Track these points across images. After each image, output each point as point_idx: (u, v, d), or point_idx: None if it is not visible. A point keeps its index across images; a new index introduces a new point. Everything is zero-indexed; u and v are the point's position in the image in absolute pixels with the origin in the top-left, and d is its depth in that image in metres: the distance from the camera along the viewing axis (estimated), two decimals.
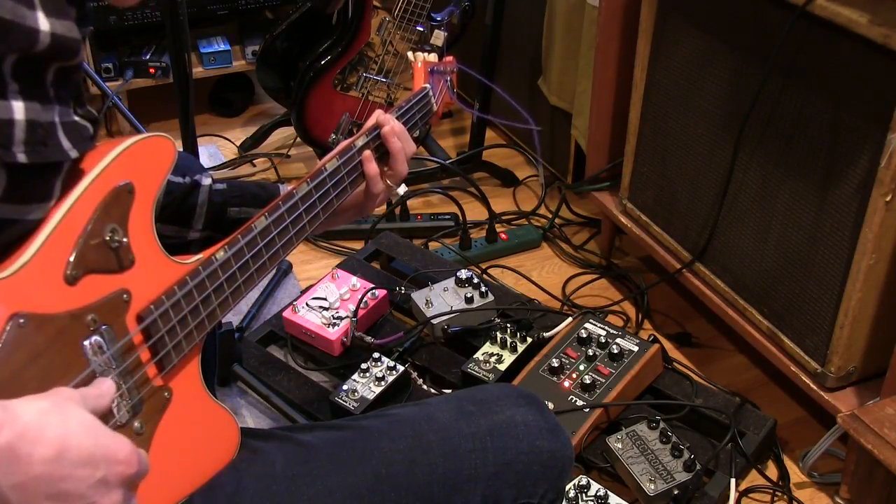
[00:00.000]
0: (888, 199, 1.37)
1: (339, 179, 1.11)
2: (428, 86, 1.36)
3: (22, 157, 0.72)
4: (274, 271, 2.14)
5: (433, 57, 1.42)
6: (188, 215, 1.11)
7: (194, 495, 0.91)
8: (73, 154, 0.77)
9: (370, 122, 1.19)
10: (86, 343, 0.76)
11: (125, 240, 0.80)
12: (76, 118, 0.80)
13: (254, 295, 2.05)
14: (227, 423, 0.96)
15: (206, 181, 1.13)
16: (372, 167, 1.16)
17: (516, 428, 1.04)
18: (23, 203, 0.75)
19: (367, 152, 1.16)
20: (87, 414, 0.68)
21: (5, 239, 0.74)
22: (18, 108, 0.72)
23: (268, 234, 0.99)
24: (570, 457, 1.08)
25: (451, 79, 1.46)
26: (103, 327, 0.78)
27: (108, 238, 0.79)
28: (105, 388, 0.73)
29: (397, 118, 1.24)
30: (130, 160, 0.82)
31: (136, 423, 0.82)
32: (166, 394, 0.87)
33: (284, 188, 1.17)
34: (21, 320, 0.70)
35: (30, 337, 0.70)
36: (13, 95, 0.72)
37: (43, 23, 0.72)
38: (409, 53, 1.44)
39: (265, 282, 2.10)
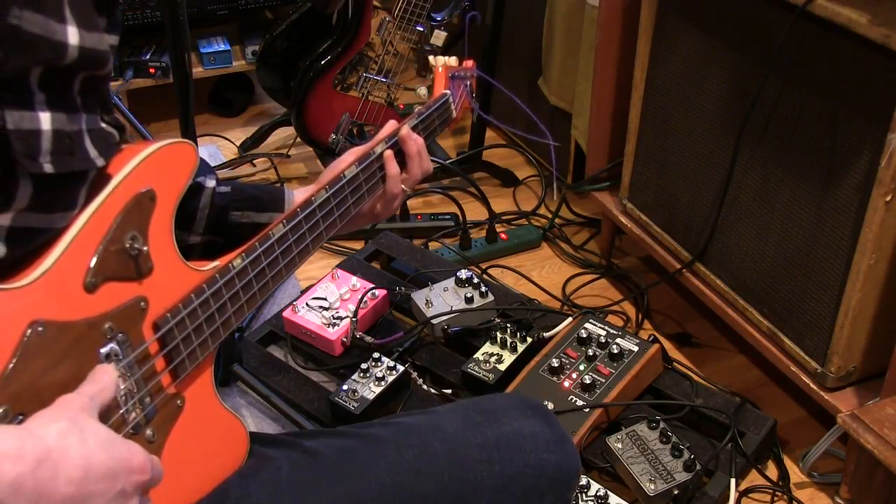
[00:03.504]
0: (888, 199, 1.37)
1: (357, 186, 1.12)
2: (448, 92, 1.35)
3: (48, 168, 0.72)
4: None
5: (453, 61, 1.40)
6: (189, 219, 1.10)
7: (201, 501, 0.91)
8: (100, 162, 0.77)
9: (387, 131, 1.19)
10: (102, 351, 0.76)
11: (145, 248, 0.80)
12: (103, 125, 0.80)
13: None
14: (237, 430, 0.96)
15: (210, 183, 1.11)
16: (393, 166, 1.17)
17: (524, 440, 1.04)
18: (48, 212, 0.75)
19: (389, 152, 1.16)
20: (102, 427, 0.68)
21: (31, 247, 0.74)
22: (45, 119, 0.72)
23: (285, 241, 0.98)
24: (577, 469, 1.08)
25: (471, 83, 1.44)
26: (120, 335, 0.78)
27: (128, 245, 0.79)
28: (107, 379, 0.73)
29: (417, 125, 1.24)
30: (153, 167, 0.82)
31: (149, 431, 0.82)
32: (179, 402, 0.86)
33: (288, 191, 1.17)
34: (40, 328, 0.70)
35: (48, 344, 0.70)
36: (40, 106, 0.72)
37: (73, 37, 0.72)
38: (431, 58, 1.43)
39: None
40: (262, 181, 2.56)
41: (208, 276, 0.88)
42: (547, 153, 2.55)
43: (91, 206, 0.76)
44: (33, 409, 0.67)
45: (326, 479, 0.98)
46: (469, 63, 1.44)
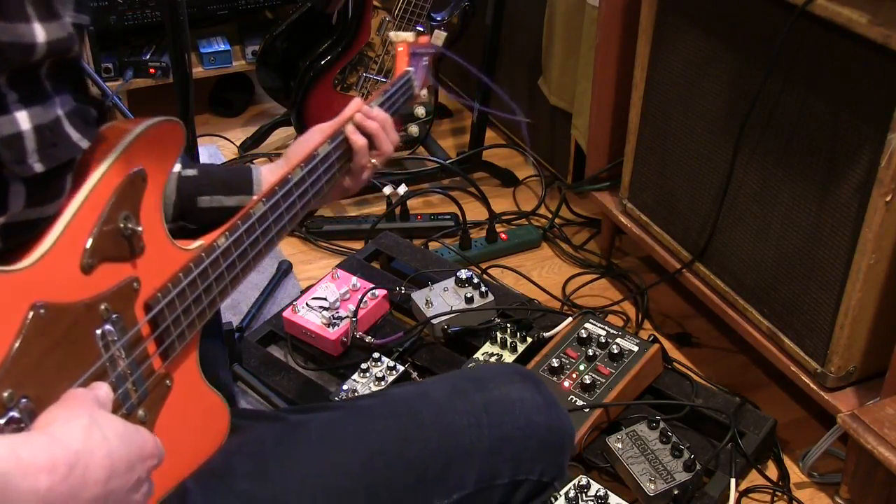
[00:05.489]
0: (888, 199, 1.37)
1: (331, 164, 1.14)
2: (411, 69, 1.37)
3: (38, 167, 0.72)
4: (274, 271, 2.13)
5: (411, 37, 1.42)
6: None
7: (187, 479, 0.91)
8: (84, 145, 0.77)
9: (352, 108, 1.20)
10: (98, 332, 0.76)
11: (139, 228, 0.80)
12: (77, 104, 0.79)
13: (254, 295, 2.05)
14: (219, 408, 0.96)
15: (176, 168, 1.10)
16: (359, 139, 1.18)
17: (513, 404, 1.03)
18: (42, 204, 0.75)
19: (351, 126, 1.18)
20: (115, 418, 0.69)
21: (26, 237, 0.74)
22: (23, 118, 0.71)
23: (265, 219, 0.99)
24: (569, 433, 1.07)
25: (428, 59, 1.46)
26: (114, 316, 0.78)
27: (122, 225, 0.79)
28: (103, 395, 0.73)
29: (382, 103, 1.26)
30: (143, 146, 0.81)
31: (141, 412, 0.83)
32: (168, 382, 0.87)
33: (255, 169, 1.18)
34: (41, 310, 0.70)
35: (49, 326, 0.70)
36: (14, 106, 0.71)
37: (39, 34, 0.70)
38: (391, 34, 1.44)
39: (265, 282, 2.10)
40: None
41: (195, 256, 0.89)
42: (548, 153, 2.55)
43: (85, 188, 0.76)
44: (36, 391, 0.67)
45: (313, 448, 0.98)
46: (424, 39, 1.46)
